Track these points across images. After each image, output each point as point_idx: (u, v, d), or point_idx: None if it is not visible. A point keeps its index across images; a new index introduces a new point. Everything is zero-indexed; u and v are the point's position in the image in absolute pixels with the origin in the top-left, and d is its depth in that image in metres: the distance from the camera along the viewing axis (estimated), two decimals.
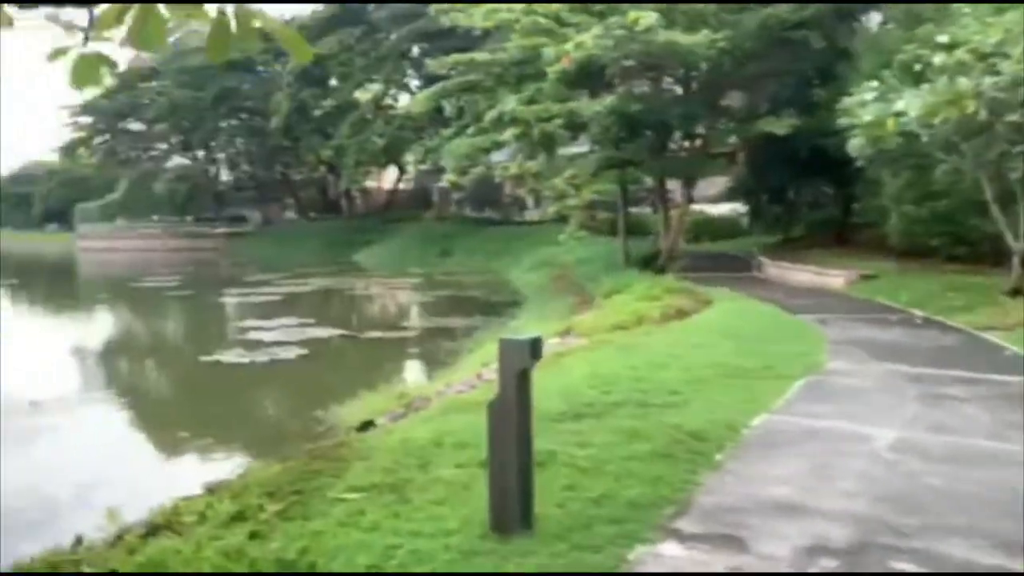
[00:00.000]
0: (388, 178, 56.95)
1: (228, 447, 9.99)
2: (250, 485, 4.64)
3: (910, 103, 11.65)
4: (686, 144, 22.13)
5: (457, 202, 52.53)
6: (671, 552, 4.04)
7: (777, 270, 20.42)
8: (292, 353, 15.68)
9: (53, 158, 70.03)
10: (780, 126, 18.08)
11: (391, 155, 46.31)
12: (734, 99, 21.74)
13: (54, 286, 39.82)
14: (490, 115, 20.61)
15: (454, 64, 22.88)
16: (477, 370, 9.90)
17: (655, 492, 4.73)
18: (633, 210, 28.28)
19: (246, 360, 15.16)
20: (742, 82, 20.24)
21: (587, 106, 19.11)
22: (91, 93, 56.47)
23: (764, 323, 12.57)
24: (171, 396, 14.44)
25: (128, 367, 17.43)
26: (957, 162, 13.48)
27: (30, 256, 58.19)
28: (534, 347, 3.90)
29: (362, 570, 3.59)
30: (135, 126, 58.94)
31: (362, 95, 46.78)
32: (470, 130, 23.00)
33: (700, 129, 21.02)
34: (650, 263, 21.05)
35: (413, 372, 14.99)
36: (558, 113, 19.11)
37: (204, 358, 15.53)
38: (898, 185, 16.91)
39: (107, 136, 59.83)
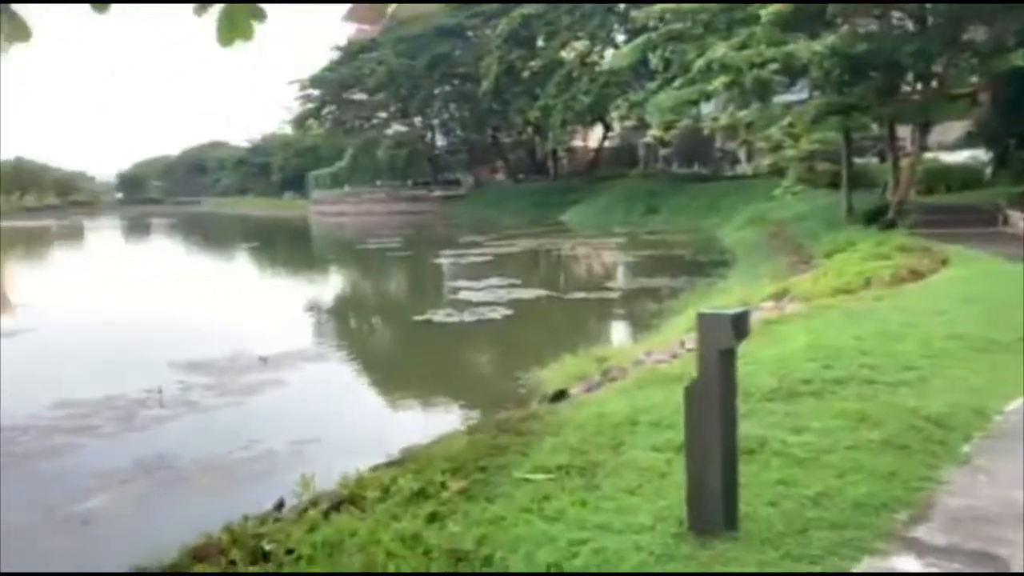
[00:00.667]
0: (594, 137, 56.60)
1: (431, 405, 10.17)
2: (435, 458, 4.48)
3: None
4: (920, 85, 19.86)
5: (664, 158, 51.26)
6: (907, 567, 3.38)
7: None
8: (498, 313, 15.88)
9: (287, 130, 75.98)
10: None
11: (596, 113, 45.80)
12: (977, 32, 19.17)
13: (289, 248, 43.26)
14: (698, 64, 19.52)
15: (661, 14, 21.90)
16: (680, 336, 9.33)
17: (887, 491, 4.02)
18: (857, 160, 26.06)
19: (454, 320, 15.53)
20: (987, 12, 17.74)
21: (805, 48, 17.55)
22: (317, 66, 60.66)
23: (1016, 287, 10.93)
24: (384, 354, 15.03)
25: (349, 325, 18.43)
26: None
27: (269, 221, 63.68)
28: (738, 323, 3.35)
29: (542, 569, 3.27)
30: (358, 96, 62.35)
31: (568, 53, 46.49)
32: (676, 82, 21.97)
33: (936, 68, 18.74)
34: (876, 218, 19.21)
35: (614, 335, 14.65)
36: (773, 57, 17.71)
37: (416, 317, 16.05)
38: None
39: (333, 107, 63.76)
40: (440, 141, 64.28)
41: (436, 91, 57.27)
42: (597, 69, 44.50)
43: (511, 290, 18.78)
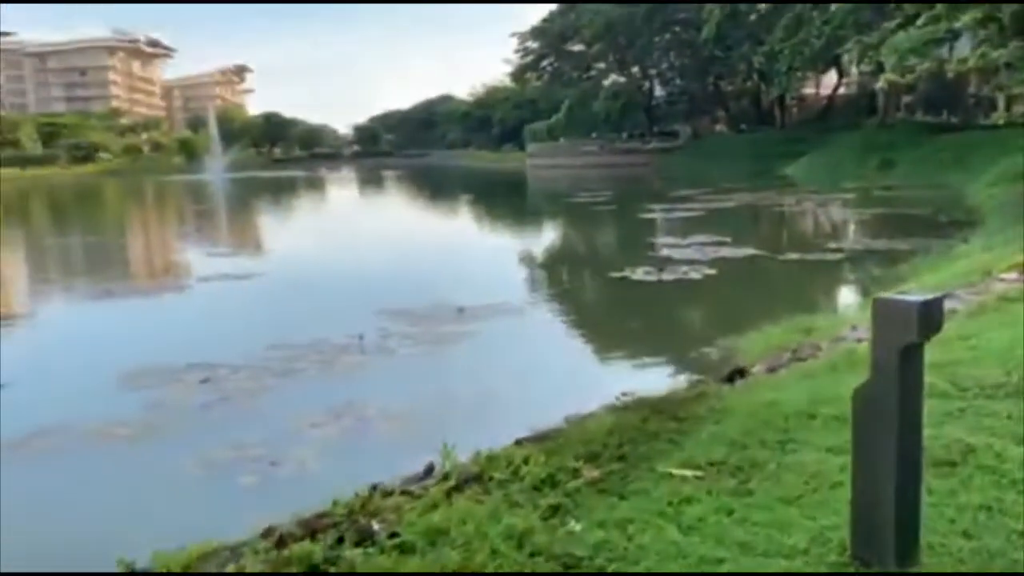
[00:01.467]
0: (827, 83, 52.75)
1: (611, 369, 9.76)
2: (573, 439, 4.09)
3: None
4: None
5: (906, 105, 46.83)
6: None
7: None
8: (699, 273, 15.13)
9: (508, 83, 77.34)
10: None
11: (829, 57, 42.46)
12: None
13: (500, 201, 44.12)
14: None
15: None
16: None
17: None
18: None
19: (652, 278, 14.97)
20: None
21: None
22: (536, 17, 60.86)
23: None
24: (575, 311, 14.69)
25: (545, 279, 18.30)
26: None
27: (487, 173, 65.37)
28: (927, 313, 2.62)
29: None
30: (576, 47, 62.12)
31: None
32: (920, 20, 19.57)
33: None
34: None
35: (827, 303, 13.39)
36: None
37: (613, 274, 15.65)
38: None
39: (552, 59, 63.98)
40: (658, 91, 62.79)
41: (655, 39, 55.73)
42: (832, 9, 41.11)
43: (718, 248, 17.91)
